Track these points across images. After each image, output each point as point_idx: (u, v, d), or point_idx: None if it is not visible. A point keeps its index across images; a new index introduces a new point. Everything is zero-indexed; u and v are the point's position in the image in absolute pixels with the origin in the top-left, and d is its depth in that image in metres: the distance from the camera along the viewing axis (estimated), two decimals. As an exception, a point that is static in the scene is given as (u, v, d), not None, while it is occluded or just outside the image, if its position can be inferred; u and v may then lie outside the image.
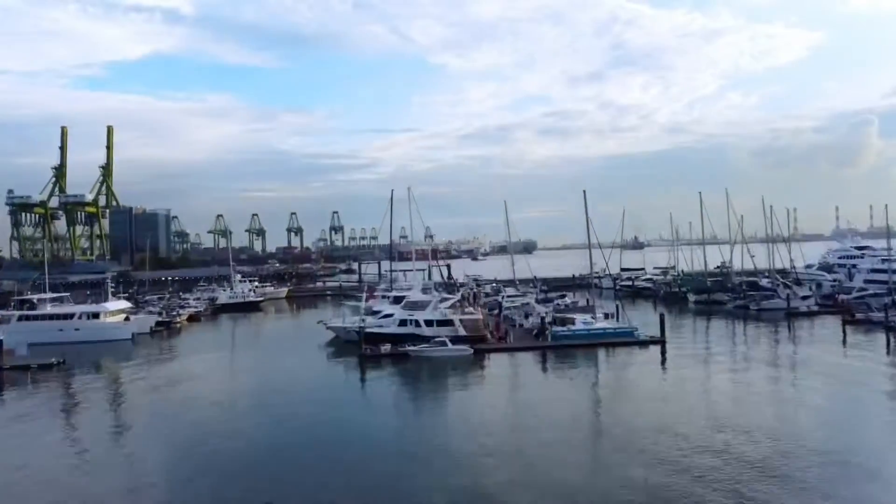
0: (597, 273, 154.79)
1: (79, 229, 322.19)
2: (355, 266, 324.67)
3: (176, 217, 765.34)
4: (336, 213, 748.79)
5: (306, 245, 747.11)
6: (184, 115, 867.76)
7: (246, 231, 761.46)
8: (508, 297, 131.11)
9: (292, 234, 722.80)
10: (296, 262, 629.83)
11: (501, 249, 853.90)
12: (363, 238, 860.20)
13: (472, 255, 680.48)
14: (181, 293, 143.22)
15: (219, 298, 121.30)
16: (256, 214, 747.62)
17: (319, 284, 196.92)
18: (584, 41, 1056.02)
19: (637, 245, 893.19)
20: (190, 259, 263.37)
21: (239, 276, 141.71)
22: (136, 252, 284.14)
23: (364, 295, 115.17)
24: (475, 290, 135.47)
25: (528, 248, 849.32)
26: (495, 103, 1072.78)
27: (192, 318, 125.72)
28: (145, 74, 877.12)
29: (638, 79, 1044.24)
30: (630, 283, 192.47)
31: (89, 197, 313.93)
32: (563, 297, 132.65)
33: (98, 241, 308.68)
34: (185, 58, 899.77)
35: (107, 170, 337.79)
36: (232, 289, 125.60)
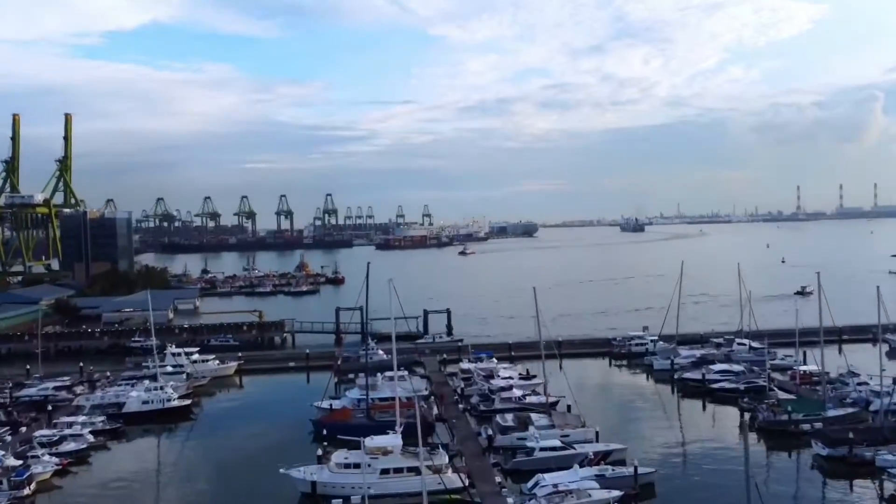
0: (642, 340, 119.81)
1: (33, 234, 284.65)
2: (341, 268, 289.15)
3: (162, 199, 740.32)
4: (330, 195, 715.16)
5: (298, 227, 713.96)
6: (182, 85, 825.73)
7: (235, 214, 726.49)
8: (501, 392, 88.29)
9: (282, 216, 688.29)
10: (287, 246, 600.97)
11: (501, 231, 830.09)
12: (359, 217, 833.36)
13: (471, 238, 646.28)
14: (90, 378, 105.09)
15: (127, 403, 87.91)
16: (246, 196, 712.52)
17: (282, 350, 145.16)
18: (586, 13, 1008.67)
19: (638, 227, 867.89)
20: (153, 276, 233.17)
21: (172, 349, 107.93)
22: (91, 262, 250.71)
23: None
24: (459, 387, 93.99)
25: (528, 230, 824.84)
26: (495, 76, 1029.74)
27: (64, 471, 67.64)
28: (143, 44, 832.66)
29: (639, 52, 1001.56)
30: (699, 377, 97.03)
31: (39, 198, 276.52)
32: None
33: (50, 249, 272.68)
34: (184, 27, 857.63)
35: (64, 164, 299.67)
36: (155, 379, 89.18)
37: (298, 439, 78.47)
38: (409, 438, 70.80)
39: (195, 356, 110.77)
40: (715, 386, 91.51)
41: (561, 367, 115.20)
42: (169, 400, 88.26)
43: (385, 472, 60.02)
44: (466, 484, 60.65)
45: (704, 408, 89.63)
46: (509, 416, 74.43)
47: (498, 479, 61.32)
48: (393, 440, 61.75)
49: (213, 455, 75.38)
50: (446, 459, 61.67)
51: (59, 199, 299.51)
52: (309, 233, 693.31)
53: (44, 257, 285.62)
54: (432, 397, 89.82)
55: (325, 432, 72.21)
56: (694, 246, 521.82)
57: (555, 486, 57.46)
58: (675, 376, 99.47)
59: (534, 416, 74.64)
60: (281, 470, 60.84)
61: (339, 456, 61.46)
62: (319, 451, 64.97)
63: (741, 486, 61.22)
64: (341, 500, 57.60)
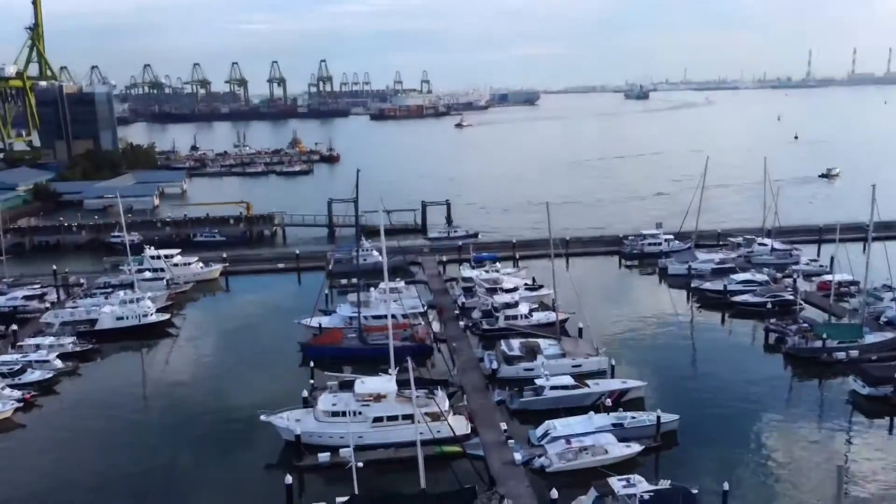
0: (655, 240, 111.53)
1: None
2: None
3: (149, 65, 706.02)
4: (324, 61, 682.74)
5: (291, 94, 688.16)
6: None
7: (226, 82, 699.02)
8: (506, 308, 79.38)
9: (275, 84, 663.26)
10: (281, 116, 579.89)
11: (502, 98, 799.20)
12: (355, 83, 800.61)
13: (471, 106, 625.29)
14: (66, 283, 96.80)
15: (100, 320, 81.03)
16: (237, 63, 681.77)
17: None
18: None
19: (642, 95, 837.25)
20: (139, 156, 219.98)
21: (150, 252, 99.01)
22: (73, 141, 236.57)
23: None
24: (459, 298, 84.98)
25: (530, 98, 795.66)
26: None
27: (28, 404, 62.46)
28: None
29: None
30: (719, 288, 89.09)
31: (11, 70, 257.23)
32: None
33: (29, 122, 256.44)
34: None
35: (36, 32, 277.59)
36: (133, 291, 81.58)
37: (287, 361, 72.29)
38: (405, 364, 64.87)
39: (176, 258, 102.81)
40: (737, 299, 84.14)
41: (568, 268, 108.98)
42: (145, 315, 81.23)
43: (378, 420, 53.58)
44: (468, 431, 54.37)
45: (723, 322, 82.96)
46: (515, 344, 67.52)
47: (503, 426, 54.80)
48: (386, 384, 54.89)
49: (195, 381, 69.24)
50: (446, 404, 55.07)
51: (34, 70, 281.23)
52: (304, 101, 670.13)
53: (24, 133, 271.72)
54: (431, 311, 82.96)
55: (312, 364, 65.32)
56: (702, 117, 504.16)
57: (567, 440, 50.99)
58: (693, 285, 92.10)
59: (542, 343, 67.72)
60: (262, 417, 54.43)
61: (325, 402, 54.78)
62: (305, 393, 58.37)
63: (771, 432, 55.35)
64: (328, 453, 51.28)
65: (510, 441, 52.57)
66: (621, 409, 55.34)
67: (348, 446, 50.47)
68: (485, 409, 58.76)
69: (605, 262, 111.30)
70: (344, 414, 53.41)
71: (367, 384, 54.72)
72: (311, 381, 61.19)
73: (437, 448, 51.79)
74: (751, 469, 50.60)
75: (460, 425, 54.89)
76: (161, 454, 54.45)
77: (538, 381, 59.28)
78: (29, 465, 53.64)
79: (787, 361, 69.40)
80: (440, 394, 55.91)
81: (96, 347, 75.72)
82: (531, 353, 66.01)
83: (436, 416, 53.98)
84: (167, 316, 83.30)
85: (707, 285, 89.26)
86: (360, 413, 53.41)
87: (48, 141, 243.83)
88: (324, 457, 51.25)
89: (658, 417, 53.17)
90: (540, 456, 50.32)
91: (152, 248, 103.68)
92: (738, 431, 55.53)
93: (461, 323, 79.12)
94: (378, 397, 53.87)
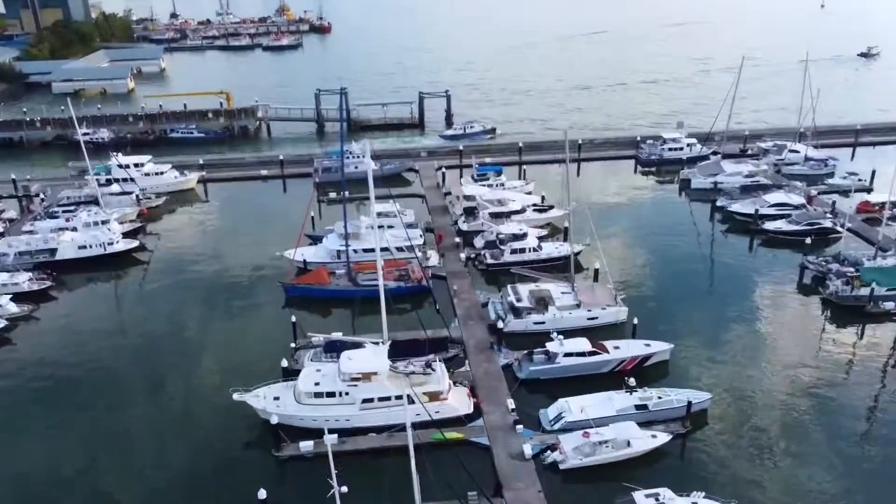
0: (676, 144, 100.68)
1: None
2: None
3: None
4: None
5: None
6: None
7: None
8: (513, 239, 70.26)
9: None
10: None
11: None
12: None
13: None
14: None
15: (60, 249, 71.86)
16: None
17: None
18: None
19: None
20: (113, 28, 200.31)
21: (118, 159, 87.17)
22: (41, 10, 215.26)
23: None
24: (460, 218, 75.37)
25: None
26: None
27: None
28: None
29: None
30: (749, 211, 78.62)
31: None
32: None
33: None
34: None
35: None
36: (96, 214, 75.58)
37: (272, 299, 65.20)
38: (400, 302, 57.63)
39: (147, 166, 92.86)
40: (769, 227, 75.50)
41: (579, 172, 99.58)
42: (111, 243, 72.71)
43: (368, 401, 46.62)
44: (471, 410, 47.72)
45: (752, 249, 74.88)
46: (524, 293, 59.68)
47: (511, 404, 48.07)
48: (377, 360, 47.59)
49: (169, 325, 62.21)
50: (446, 381, 47.97)
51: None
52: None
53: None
54: (428, 234, 74.80)
55: (294, 319, 57.79)
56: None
57: (583, 428, 44.33)
58: (719, 203, 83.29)
59: (554, 290, 59.87)
60: (235, 396, 47.50)
61: (307, 380, 47.67)
62: (285, 362, 51.06)
63: (816, 409, 48.74)
64: (311, 442, 44.76)
65: (518, 427, 45.88)
66: (645, 389, 48.05)
67: (334, 432, 44.40)
68: (489, 378, 51.94)
69: (620, 168, 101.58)
70: (329, 395, 46.34)
71: (355, 360, 47.33)
72: (293, 346, 53.77)
73: (437, 434, 45.35)
74: (789, 457, 44.18)
75: (462, 402, 48.24)
76: (134, 428, 48.50)
77: (550, 347, 51.90)
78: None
79: (827, 309, 61.87)
80: (439, 368, 48.63)
81: (55, 285, 67.77)
82: (542, 303, 58.26)
83: (435, 396, 47.20)
84: (136, 243, 74.78)
85: (736, 207, 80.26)
86: (346, 394, 46.35)
87: (13, 10, 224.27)
88: (306, 446, 44.64)
89: (689, 403, 46.15)
90: (553, 449, 43.77)
91: (119, 154, 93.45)
92: (775, 410, 48.87)
93: (462, 255, 70.94)
94: (367, 376, 46.52)
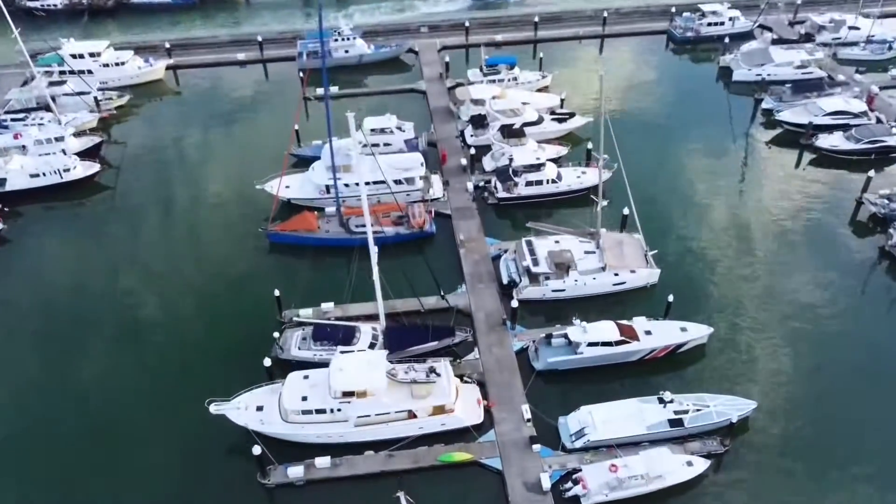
0: (717, 18, 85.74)
1: None
2: None
3: None
4: None
5: None
6: None
7: None
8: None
9: None
10: None
11: None
12: None
13: None
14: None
15: (8, 179, 60.32)
16: None
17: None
18: None
19: None
20: None
21: (70, 46, 72.91)
22: None
23: None
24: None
25: None
26: None
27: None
28: None
29: None
30: (802, 122, 68.34)
31: None
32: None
33: None
34: None
35: None
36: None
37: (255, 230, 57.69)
38: (400, 252, 49.71)
39: (105, 54, 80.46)
40: (823, 145, 65.51)
41: (602, 50, 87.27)
42: (68, 169, 63.60)
43: (364, 417, 40.80)
44: (481, 419, 42.12)
45: (799, 163, 65.91)
46: (542, 255, 51.60)
47: (526, 411, 42.30)
48: (372, 375, 40.97)
49: (138, 270, 55.47)
50: (453, 389, 41.74)
51: None
52: None
53: None
54: (431, 149, 65.79)
55: (280, 314, 50.57)
56: None
57: (610, 453, 38.98)
58: (766, 105, 72.80)
59: (576, 251, 51.88)
60: (213, 409, 41.60)
61: (293, 395, 41.45)
62: (267, 361, 44.57)
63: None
64: (301, 467, 39.66)
65: (535, 446, 40.33)
66: (680, 402, 41.74)
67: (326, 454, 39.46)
68: (502, 368, 45.79)
69: (650, 47, 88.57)
70: (318, 412, 40.39)
71: (346, 372, 40.72)
72: (277, 337, 46.85)
73: (444, 456, 40.10)
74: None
75: (471, 410, 42.39)
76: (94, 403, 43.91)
77: (572, 335, 45.14)
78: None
79: (885, 261, 54.14)
80: (444, 373, 42.19)
81: (5, 227, 59.73)
82: (563, 267, 50.57)
83: (439, 410, 41.30)
84: (96, 167, 65.47)
85: (785, 115, 69.43)
86: (339, 410, 40.37)
87: None
88: (296, 473, 39.44)
89: (732, 424, 40.17)
90: (575, 482, 38.42)
91: (72, 39, 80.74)
92: (827, 415, 42.89)
93: (469, 184, 61.96)
94: (361, 394, 40.24)
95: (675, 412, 41.28)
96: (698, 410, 41.44)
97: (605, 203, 51.50)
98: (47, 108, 71.33)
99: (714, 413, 41.31)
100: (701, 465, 39.30)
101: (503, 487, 39.28)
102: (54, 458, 41.56)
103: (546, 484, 38.67)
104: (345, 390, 40.12)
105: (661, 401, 41.63)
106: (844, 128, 66.41)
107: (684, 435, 41.02)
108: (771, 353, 46.97)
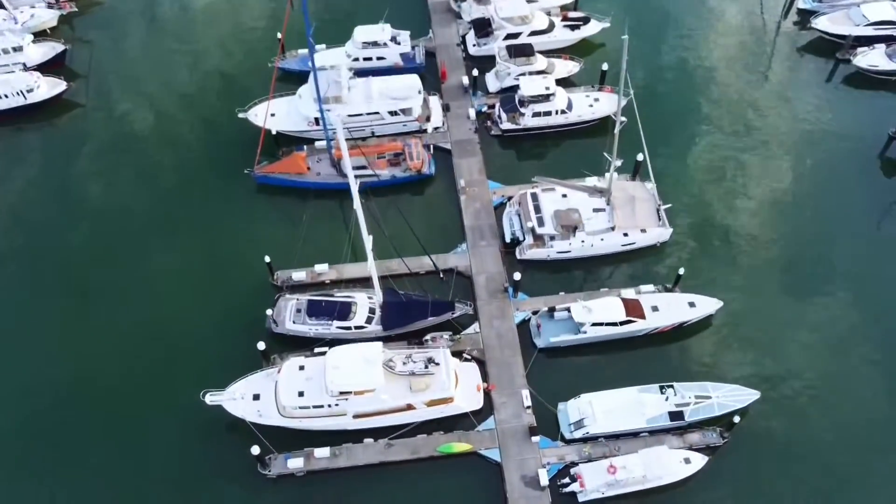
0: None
1: None
2: None
3: None
4: None
5: None
6: None
7: None
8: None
9: None
10: None
11: None
12: None
13: None
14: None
15: None
16: None
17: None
18: None
19: None
20: None
21: None
22: None
23: None
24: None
25: None
26: None
27: None
28: None
29: None
30: (841, 33, 62.50)
31: None
32: None
33: None
34: None
35: None
36: None
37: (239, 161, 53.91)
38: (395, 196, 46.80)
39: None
40: (861, 64, 59.60)
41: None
42: (31, 90, 58.32)
43: (362, 414, 40.67)
44: (480, 404, 42.04)
45: (830, 80, 60.50)
46: (547, 214, 48.56)
47: (526, 396, 42.04)
48: (370, 373, 39.84)
49: (115, 198, 53.29)
50: (452, 386, 41.07)
51: None
52: None
53: None
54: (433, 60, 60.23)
55: (274, 282, 48.08)
56: None
57: (605, 438, 39.29)
58: (800, 5, 65.43)
59: (585, 209, 48.89)
60: (208, 399, 41.16)
61: (289, 390, 40.38)
62: (262, 344, 43.30)
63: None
64: (301, 459, 40.18)
65: (534, 438, 40.48)
66: (683, 395, 41.13)
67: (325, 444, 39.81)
68: (502, 344, 44.89)
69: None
70: (316, 407, 40.06)
71: (342, 370, 39.66)
72: (270, 315, 45.04)
73: (443, 446, 40.45)
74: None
75: (470, 396, 42.01)
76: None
77: (576, 315, 43.70)
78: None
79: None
80: (443, 361, 41.27)
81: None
82: (570, 228, 47.94)
83: (437, 403, 40.95)
84: (63, 85, 59.81)
85: (822, 23, 62.47)
86: (336, 405, 40.02)
87: None
88: (296, 464, 39.94)
89: (732, 421, 39.95)
90: (573, 478, 38.99)
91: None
92: (837, 407, 42.47)
93: (472, 110, 57.17)
94: (360, 392, 39.62)
95: (676, 405, 40.79)
96: (699, 402, 40.93)
97: (618, 163, 47.24)
98: (0, 6, 63.77)
99: (715, 405, 40.92)
100: (698, 461, 39.56)
101: (502, 480, 39.70)
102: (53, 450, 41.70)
103: (544, 480, 39.04)
104: (342, 391, 39.27)
105: (663, 389, 41.05)
106: (888, 40, 59.84)
107: (684, 426, 40.81)
108: (778, 327, 45.56)
